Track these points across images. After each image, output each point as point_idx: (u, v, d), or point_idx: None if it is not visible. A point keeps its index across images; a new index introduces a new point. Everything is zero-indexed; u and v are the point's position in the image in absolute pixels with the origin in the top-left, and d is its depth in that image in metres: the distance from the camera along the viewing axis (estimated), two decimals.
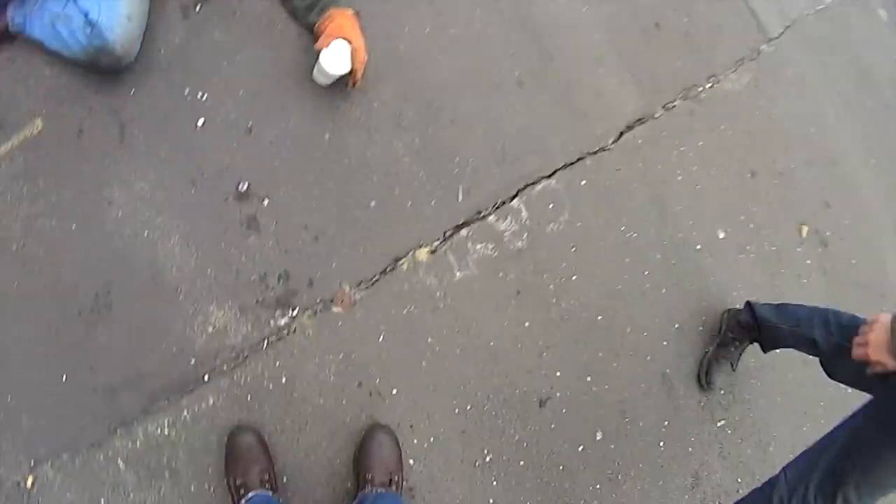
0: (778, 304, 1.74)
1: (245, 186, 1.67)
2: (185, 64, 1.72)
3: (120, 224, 1.58)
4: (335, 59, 1.65)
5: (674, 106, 2.21)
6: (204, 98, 1.71)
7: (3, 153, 1.60)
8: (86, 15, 1.55)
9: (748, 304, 1.80)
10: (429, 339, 1.71)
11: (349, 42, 1.66)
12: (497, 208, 1.87)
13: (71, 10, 1.58)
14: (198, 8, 1.78)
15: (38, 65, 1.66)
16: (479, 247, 1.83)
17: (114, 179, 1.61)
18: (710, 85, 2.33)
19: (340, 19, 1.71)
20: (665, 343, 1.98)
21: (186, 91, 1.70)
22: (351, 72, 1.67)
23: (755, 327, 1.76)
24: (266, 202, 1.67)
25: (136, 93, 1.67)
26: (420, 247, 1.76)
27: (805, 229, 2.34)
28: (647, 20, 2.29)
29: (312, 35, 1.75)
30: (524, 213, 1.90)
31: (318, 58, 1.66)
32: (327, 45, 1.65)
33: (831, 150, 2.54)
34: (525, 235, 1.88)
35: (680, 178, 2.15)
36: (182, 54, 1.73)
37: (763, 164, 2.36)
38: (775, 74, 2.53)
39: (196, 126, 1.68)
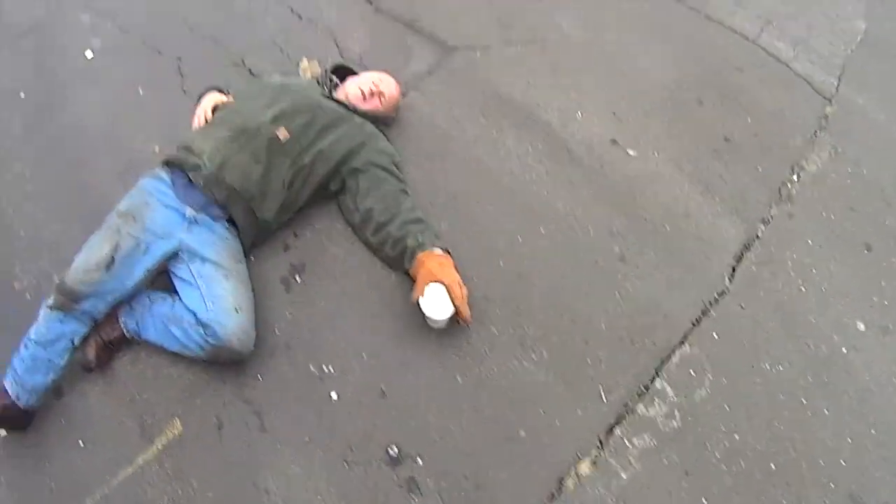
0: None
1: (395, 450, 1.65)
2: (301, 339, 1.77)
3: None
4: (434, 304, 1.66)
5: (772, 216, 2.12)
6: (330, 370, 1.74)
7: (150, 458, 1.65)
8: (194, 315, 1.64)
9: None
10: None
11: (442, 283, 1.66)
12: (642, 396, 1.79)
13: (179, 310, 1.68)
14: (297, 279, 1.86)
15: (162, 365, 1.74)
16: (636, 441, 1.74)
17: (265, 468, 1.62)
18: (796, 176, 2.25)
19: (429, 263, 1.73)
20: (843, 462, 1.82)
21: (311, 366, 1.74)
22: (456, 311, 1.66)
23: None
24: (420, 461, 1.65)
25: (264, 378, 1.72)
26: (580, 460, 1.68)
27: None
28: (715, 138, 2.23)
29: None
30: (669, 391, 1.81)
31: (417, 303, 1.66)
32: (422, 293, 1.66)
33: None
34: (676, 413, 1.79)
35: (802, 287, 2.05)
36: (296, 329, 1.78)
37: (875, 232, 2.22)
38: (850, 131, 2.43)
39: (331, 399, 1.70)
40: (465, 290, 1.71)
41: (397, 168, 1.98)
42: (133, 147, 2.31)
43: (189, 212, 1.77)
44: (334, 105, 2.00)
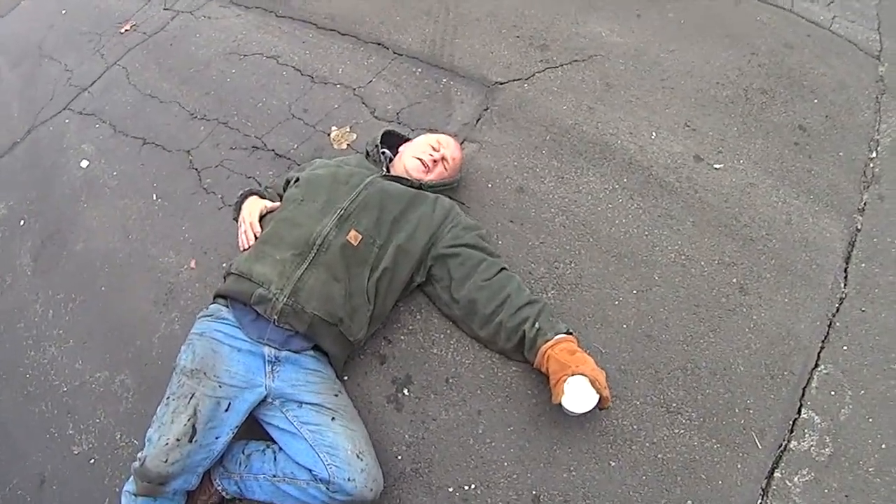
0: None
1: None
2: (430, 460, 1.59)
3: None
4: (578, 399, 1.47)
5: (865, 203, 1.99)
6: (472, 487, 1.57)
7: None
8: (310, 471, 1.39)
9: None
10: None
11: (582, 374, 1.46)
12: (793, 431, 1.68)
13: (287, 467, 1.44)
14: (406, 392, 1.67)
15: None
16: (796, 479, 1.64)
17: None
18: (874, 153, 2.10)
19: (557, 354, 1.51)
20: None
21: (450, 489, 1.56)
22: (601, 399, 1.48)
23: None
24: None
25: None
26: None
27: None
28: (791, 130, 2.11)
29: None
30: (816, 419, 1.70)
31: (560, 403, 1.48)
32: (562, 392, 1.47)
33: None
34: (827, 439, 1.69)
35: None
36: (420, 451, 1.60)
37: None
38: None
39: None
40: (603, 374, 1.50)
41: (485, 241, 1.72)
42: (165, 266, 2.05)
43: (269, 352, 1.50)
44: (398, 186, 1.71)
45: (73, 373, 1.90)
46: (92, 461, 1.75)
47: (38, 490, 1.75)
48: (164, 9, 3.09)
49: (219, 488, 1.52)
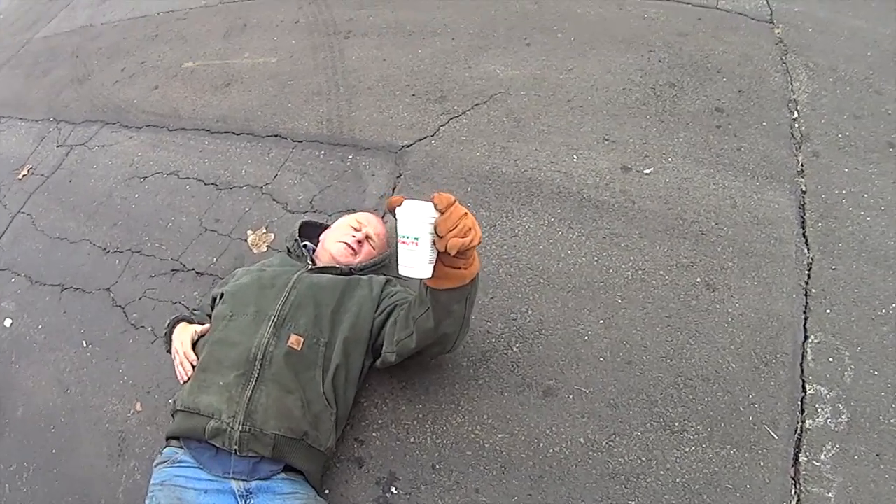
0: None
1: None
2: None
3: None
4: (410, 218, 1.22)
5: (802, 165, 2.19)
6: None
7: None
8: None
9: None
10: None
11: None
12: (803, 411, 1.76)
13: None
14: (394, 490, 1.74)
15: None
16: (822, 457, 1.71)
17: None
18: (796, 113, 2.32)
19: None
20: None
21: None
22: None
23: None
24: None
25: None
26: None
27: None
28: (709, 114, 2.32)
29: None
30: (822, 390, 1.79)
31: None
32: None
33: None
34: (840, 407, 1.77)
35: (867, 217, 2.11)
36: None
37: (888, 128, 2.30)
38: (807, 42, 2.56)
39: None
40: (476, 234, 1.25)
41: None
42: (111, 415, 2.10)
43: (237, 486, 1.51)
44: (328, 277, 1.77)
45: None
46: None
47: None
48: (58, 146, 3.30)
49: None
